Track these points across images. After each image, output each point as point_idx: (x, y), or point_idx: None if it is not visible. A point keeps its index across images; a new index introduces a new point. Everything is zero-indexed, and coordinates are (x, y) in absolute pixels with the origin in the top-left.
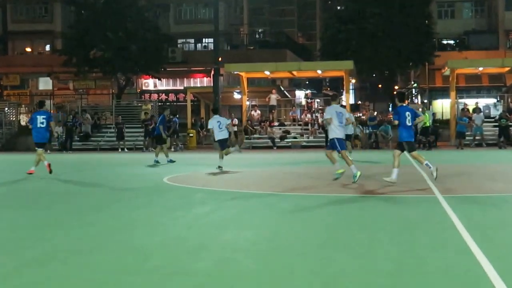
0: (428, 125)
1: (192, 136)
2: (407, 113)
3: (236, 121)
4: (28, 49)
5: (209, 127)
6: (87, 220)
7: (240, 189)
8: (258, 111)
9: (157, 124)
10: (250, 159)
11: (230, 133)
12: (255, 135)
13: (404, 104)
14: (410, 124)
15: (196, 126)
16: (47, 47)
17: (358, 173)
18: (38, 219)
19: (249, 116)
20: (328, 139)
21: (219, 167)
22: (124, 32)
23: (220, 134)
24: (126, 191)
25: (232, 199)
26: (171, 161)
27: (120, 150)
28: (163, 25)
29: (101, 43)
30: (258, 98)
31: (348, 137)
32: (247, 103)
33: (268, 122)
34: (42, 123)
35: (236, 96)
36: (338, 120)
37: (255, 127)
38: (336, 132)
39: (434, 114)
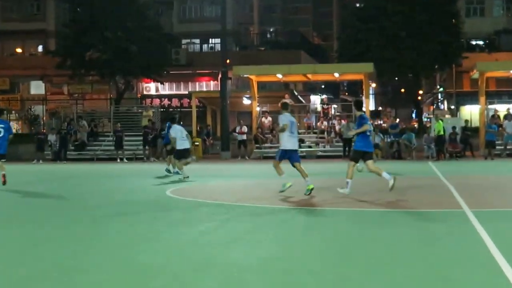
0: (442, 134)
1: (197, 145)
2: (369, 122)
3: (245, 128)
4: (19, 50)
5: (172, 135)
6: (83, 236)
7: (249, 202)
8: (270, 118)
9: (166, 132)
10: (261, 170)
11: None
12: (266, 144)
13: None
14: (369, 134)
15: (202, 134)
16: (40, 48)
17: (288, 184)
18: (29, 235)
19: (259, 124)
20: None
21: (185, 177)
22: (123, 32)
23: (181, 143)
24: (126, 205)
25: (240, 213)
26: (177, 173)
27: (119, 160)
28: (166, 24)
29: (99, 43)
30: (270, 103)
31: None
32: (258, 109)
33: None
34: (0, 132)
35: (246, 101)
36: (290, 130)
37: (266, 136)
38: (287, 144)
39: (466, 122)
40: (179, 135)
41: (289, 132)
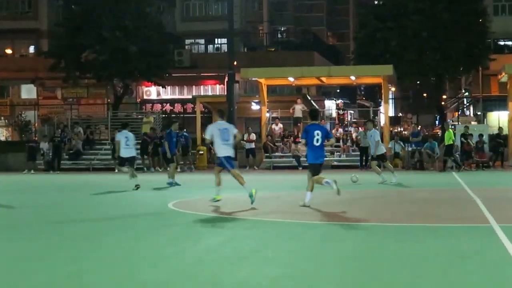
0: (452, 143)
1: (202, 154)
2: (317, 132)
3: (253, 136)
4: (9, 51)
5: (116, 139)
6: (80, 253)
7: (258, 216)
8: (280, 125)
9: (163, 141)
10: (271, 181)
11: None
12: (276, 153)
13: (316, 122)
14: (318, 144)
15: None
16: (31, 49)
17: (254, 191)
18: (20, 251)
19: (269, 131)
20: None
21: (136, 186)
22: (122, 31)
23: (125, 151)
24: (125, 219)
25: (249, 228)
26: (176, 184)
27: (116, 171)
28: (168, 23)
29: (95, 43)
30: (280, 109)
31: (381, 157)
32: (267, 115)
33: (292, 138)
34: None
35: (254, 107)
36: (222, 138)
37: (276, 144)
38: (222, 151)
39: (500, 129)
40: (123, 142)
41: (222, 140)
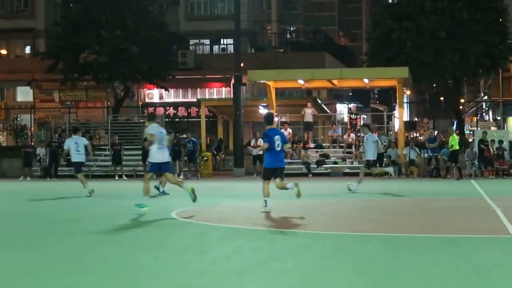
0: (457, 148)
1: (206, 160)
2: (277, 136)
3: (261, 142)
4: (3, 51)
5: (65, 147)
6: (77, 265)
7: (267, 226)
8: (290, 130)
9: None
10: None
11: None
12: (285, 160)
13: (273, 127)
14: (278, 149)
15: (212, 148)
16: (27, 49)
17: (190, 189)
18: (13, 263)
19: None
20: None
21: (90, 192)
22: (122, 30)
23: (76, 156)
24: (125, 229)
25: (257, 239)
26: (164, 193)
27: (117, 178)
28: (172, 22)
29: (94, 43)
30: (290, 113)
31: (380, 156)
32: (276, 119)
33: (302, 144)
34: None
35: (262, 110)
36: (160, 142)
37: (286, 150)
38: (157, 156)
39: None
40: (73, 147)
41: (159, 145)
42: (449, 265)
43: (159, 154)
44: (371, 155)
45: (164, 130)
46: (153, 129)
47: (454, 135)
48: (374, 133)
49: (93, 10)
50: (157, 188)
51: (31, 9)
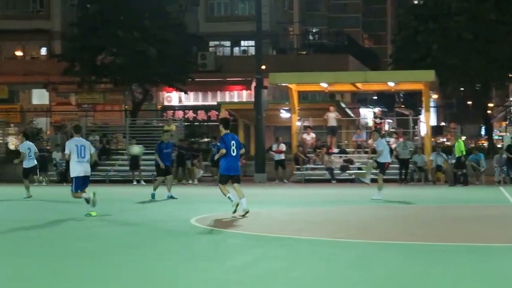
0: (463, 154)
1: None
2: (233, 142)
3: (283, 146)
4: (19, 53)
5: (21, 150)
6: (91, 272)
7: (288, 234)
8: (313, 134)
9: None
10: (302, 196)
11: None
12: (308, 165)
13: (228, 131)
14: (234, 154)
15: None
16: (43, 51)
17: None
18: (23, 269)
19: (300, 141)
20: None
21: (28, 196)
22: (140, 32)
23: (28, 162)
24: (141, 235)
25: (278, 247)
26: (171, 197)
27: (135, 183)
28: (191, 23)
29: (112, 45)
30: (312, 117)
31: (381, 165)
32: (298, 123)
33: (325, 149)
34: None
35: (284, 114)
36: (79, 154)
37: (308, 155)
38: (76, 169)
39: None
40: (26, 153)
41: (78, 157)
42: (479, 275)
43: (78, 167)
44: (384, 158)
45: (87, 143)
46: (72, 143)
47: (460, 140)
48: (383, 138)
49: (110, 10)
50: (153, 195)
51: (47, 10)
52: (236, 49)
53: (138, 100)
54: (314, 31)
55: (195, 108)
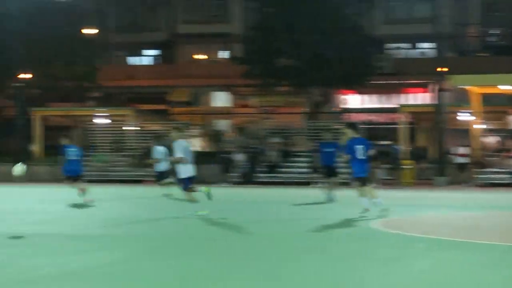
0: None
1: (412, 169)
2: (360, 146)
3: (465, 150)
4: (200, 57)
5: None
6: (272, 272)
7: (470, 238)
8: (496, 137)
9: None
10: (486, 200)
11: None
12: (490, 169)
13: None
14: (362, 157)
15: (413, 156)
16: (222, 54)
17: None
18: (200, 268)
19: (481, 144)
20: None
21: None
22: (319, 35)
23: (161, 166)
24: (326, 238)
25: (465, 251)
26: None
27: (314, 185)
28: (367, 25)
29: (290, 48)
30: (492, 120)
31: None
32: (479, 126)
33: (506, 152)
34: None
35: (462, 117)
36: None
37: (489, 158)
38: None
39: None
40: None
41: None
42: None
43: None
44: None
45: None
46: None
47: None
48: None
49: (289, 14)
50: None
51: (227, 14)
52: (413, 51)
53: (317, 103)
54: (494, 32)
55: (373, 111)
